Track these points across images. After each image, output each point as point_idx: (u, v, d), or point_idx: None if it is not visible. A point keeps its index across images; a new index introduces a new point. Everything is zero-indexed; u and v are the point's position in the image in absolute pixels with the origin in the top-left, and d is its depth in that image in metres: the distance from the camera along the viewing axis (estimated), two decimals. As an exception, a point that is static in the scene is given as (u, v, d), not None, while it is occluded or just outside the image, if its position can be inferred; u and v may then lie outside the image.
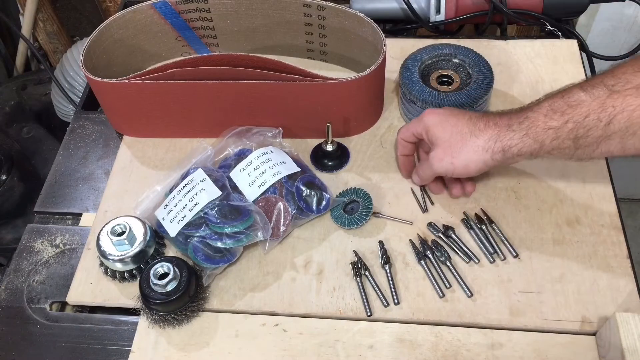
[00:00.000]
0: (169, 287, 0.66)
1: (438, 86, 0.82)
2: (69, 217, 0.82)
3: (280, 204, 0.73)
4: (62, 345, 0.70)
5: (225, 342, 0.68)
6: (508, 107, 0.85)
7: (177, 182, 0.76)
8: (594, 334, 0.66)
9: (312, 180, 0.76)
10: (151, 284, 0.66)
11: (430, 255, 0.72)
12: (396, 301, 0.69)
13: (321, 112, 0.80)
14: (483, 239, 0.73)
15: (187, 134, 0.86)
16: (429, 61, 0.85)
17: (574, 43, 0.93)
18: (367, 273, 0.71)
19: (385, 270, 0.71)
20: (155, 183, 0.77)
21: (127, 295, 0.72)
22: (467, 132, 0.67)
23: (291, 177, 0.75)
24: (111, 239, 0.70)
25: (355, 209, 0.76)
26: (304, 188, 0.74)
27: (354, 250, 0.73)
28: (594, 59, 0.95)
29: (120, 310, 0.72)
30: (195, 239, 0.71)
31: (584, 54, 0.93)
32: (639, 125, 0.57)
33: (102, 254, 0.70)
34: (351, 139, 0.85)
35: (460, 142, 0.67)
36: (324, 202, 0.75)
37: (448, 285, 0.70)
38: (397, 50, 0.92)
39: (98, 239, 0.71)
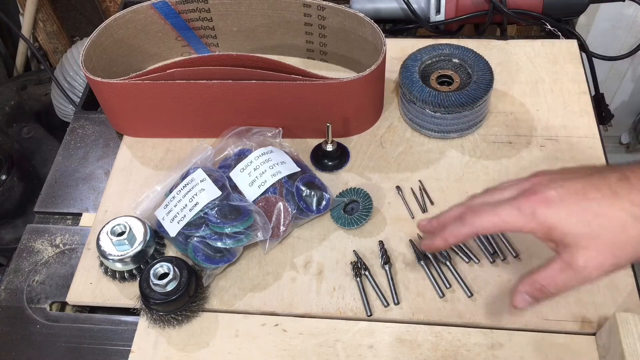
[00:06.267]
0: (169, 287, 0.66)
1: (438, 86, 0.82)
2: (68, 217, 0.82)
3: (280, 204, 0.73)
4: (62, 345, 0.70)
5: (225, 342, 0.68)
6: (508, 107, 0.86)
7: (177, 182, 0.76)
8: (593, 334, 0.66)
9: (312, 180, 0.76)
10: (151, 284, 0.66)
11: (430, 256, 0.72)
12: (396, 301, 0.69)
13: (321, 112, 0.80)
14: (483, 239, 0.73)
15: (187, 134, 0.86)
16: (429, 61, 0.85)
17: (574, 43, 0.93)
18: (367, 273, 0.71)
19: (385, 270, 0.71)
20: (155, 183, 0.77)
21: (127, 295, 0.72)
22: (623, 212, 0.49)
23: (291, 177, 0.75)
24: (111, 239, 0.70)
25: (355, 209, 0.76)
26: (304, 188, 0.74)
27: (354, 250, 0.73)
28: (593, 59, 0.95)
29: (120, 310, 0.72)
30: (195, 239, 0.71)
31: (583, 54, 0.93)
32: None
33: (102, 254, 0.70)
34: (351, 139, 0.85)
35: (620, 232, 0.49)
36: (324, 202, 0.75)
37: (448, 285, 0.70)
38: (397, 50, 0.92)
39: (98, 239, 0.71)
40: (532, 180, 0.54)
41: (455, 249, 0.72)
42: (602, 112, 0.98)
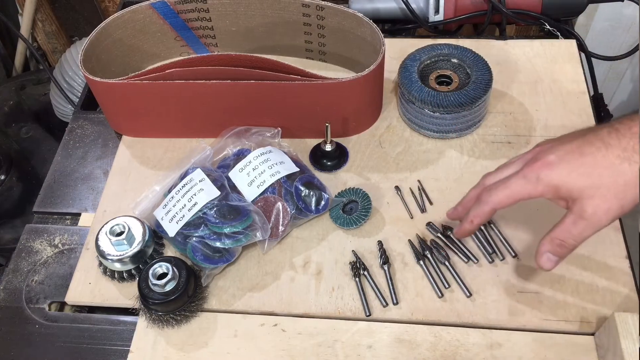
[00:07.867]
0: (168, 287, 0.66)
1: (437, 86, 0.82)
2: (67, 217, 0.82)
3: (279, 204, 0.73)
4: (61, 345, 0.70)
5: (224, 342, 0.68)
6: (507, 107, 0.86)
7: (175, 182, 0.76)
8: (592, 334, 0.66)
9: (311, 180, 0.76)
10: (150, 284, 0.66)
11: (429, 255, 0.72)
12: (395, 301, 0.69)
13: (320, 112, 0.80)
14: (482, 239, 0.73)
15: (186, 134, 0.86)
16: (428, 61, 0.85)
17: (572, 43, 0.93)
18: (365, 273, 0.71)
19: (384, 270, 0.71)
20: (154, 183, 0.77)
21: (125, 295, 0.72)
22: (616, 159, 0.54)
23: (290, 177, 0.75)
24: (110, 239, 0.70)
25: (354, 209, 0.76)
26: (302, 188, 0.74)
27: (352, 250, 0.73)
28: (592, 59, 0.95)
29: (119, 310, 0.72)
30: (194, 239, 0.71)
31: (582, 54, 0.93)
32: None
33: (101, 254, 0.70)
34: (350, 139, 0.85)
35: (617, 177, 0.54)
36: (322, 202, 0.75)
37: (447, 285, 0.70)
38: (396, 50, 0.92)
39: (97, 239, 0.71)
40: (533, 151, 0.61)
41: (454, 249, 0.72)
42: (601, 112, 0.98)
